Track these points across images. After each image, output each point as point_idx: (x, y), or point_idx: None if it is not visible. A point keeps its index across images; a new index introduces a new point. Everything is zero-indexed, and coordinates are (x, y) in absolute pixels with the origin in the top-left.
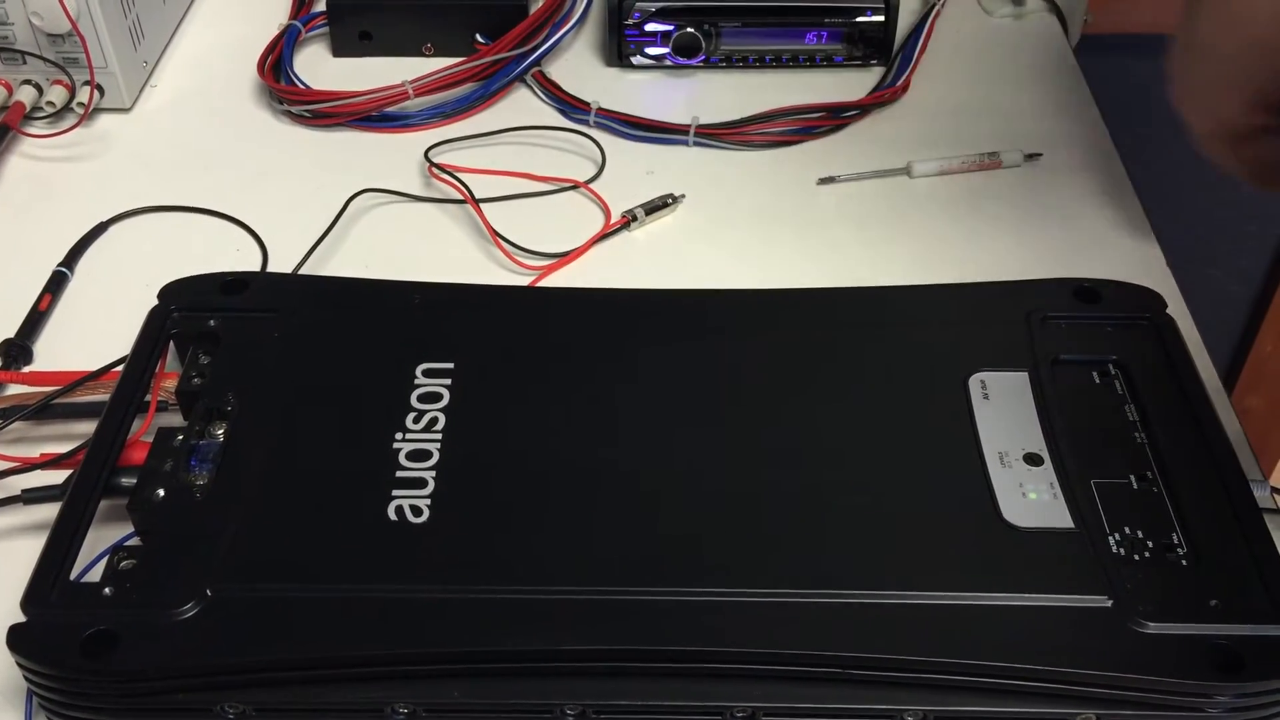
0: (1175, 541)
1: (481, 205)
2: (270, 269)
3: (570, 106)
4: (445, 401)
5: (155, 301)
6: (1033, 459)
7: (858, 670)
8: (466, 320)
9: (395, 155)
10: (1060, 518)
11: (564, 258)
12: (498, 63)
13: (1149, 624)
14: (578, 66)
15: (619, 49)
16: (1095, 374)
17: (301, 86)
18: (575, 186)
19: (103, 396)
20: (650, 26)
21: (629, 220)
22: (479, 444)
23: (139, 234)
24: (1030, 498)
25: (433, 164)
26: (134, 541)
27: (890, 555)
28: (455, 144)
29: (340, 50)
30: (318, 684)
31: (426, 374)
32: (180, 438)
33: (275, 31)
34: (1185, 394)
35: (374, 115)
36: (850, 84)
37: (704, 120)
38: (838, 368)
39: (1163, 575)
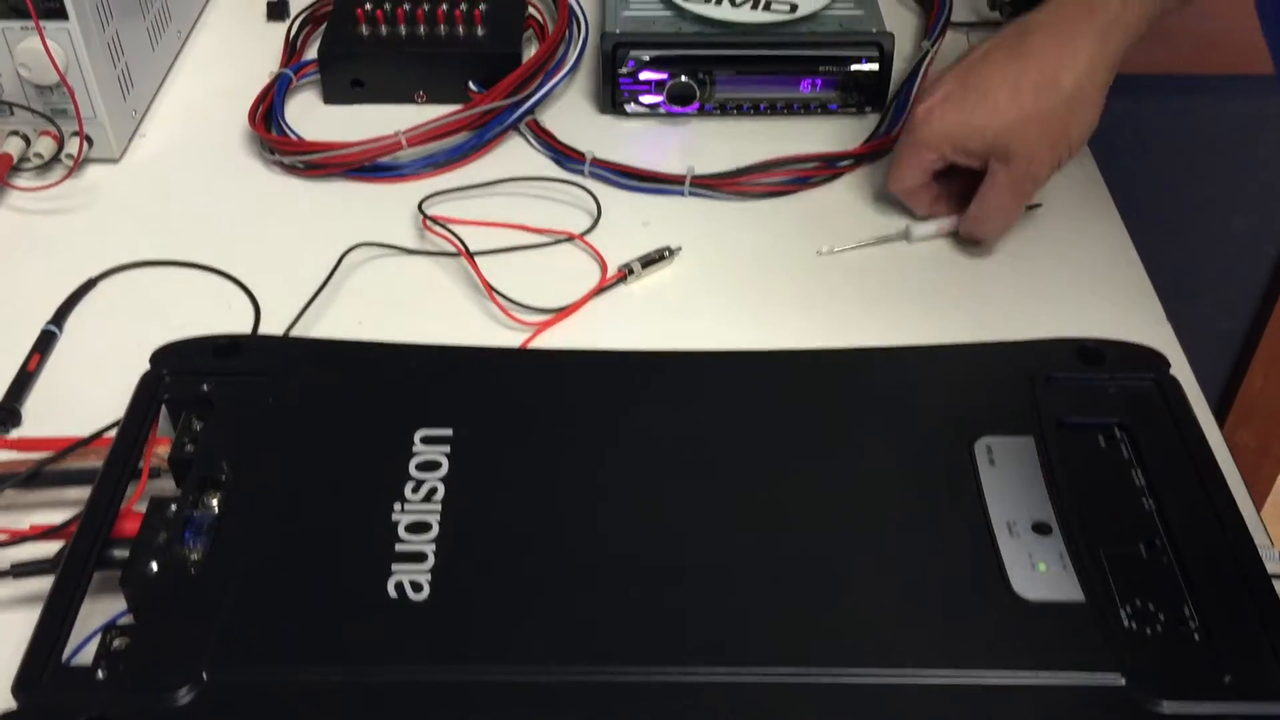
0: (1187, 614)
1: (476, 258)
2: (263, 325)
3: (565, 156)
4: (444, 470)
5: (145, 361)
6: (1041, 528)
7: None
8: (463, 384)
9: (389, 205)
10: (1071, 590)
11: (560, 313)
12: (491, 112)
13: (1164, 703)
14: (571, 113)
15: (613, 97)
16: (1101, 437)
17: (294, 137)
18: (571, 239)
19: (94, 463)
20: (644, 75)
21: (625, 274)
22: (478, 516)
23: (129, 289)
24: (1040, 570)
25: (427, 216)
26: (127, 619)
27: (899, 630)
28: (449, 194)
29: (332, 98)
30: None
31: (425, 440)
32: (174, 508)
33: (266, 79)
34: (1191, 458)
35: (367, 165)
36: (845, 131)
37: (699, 170)
38: (840, 435)
39: (1175, 650)
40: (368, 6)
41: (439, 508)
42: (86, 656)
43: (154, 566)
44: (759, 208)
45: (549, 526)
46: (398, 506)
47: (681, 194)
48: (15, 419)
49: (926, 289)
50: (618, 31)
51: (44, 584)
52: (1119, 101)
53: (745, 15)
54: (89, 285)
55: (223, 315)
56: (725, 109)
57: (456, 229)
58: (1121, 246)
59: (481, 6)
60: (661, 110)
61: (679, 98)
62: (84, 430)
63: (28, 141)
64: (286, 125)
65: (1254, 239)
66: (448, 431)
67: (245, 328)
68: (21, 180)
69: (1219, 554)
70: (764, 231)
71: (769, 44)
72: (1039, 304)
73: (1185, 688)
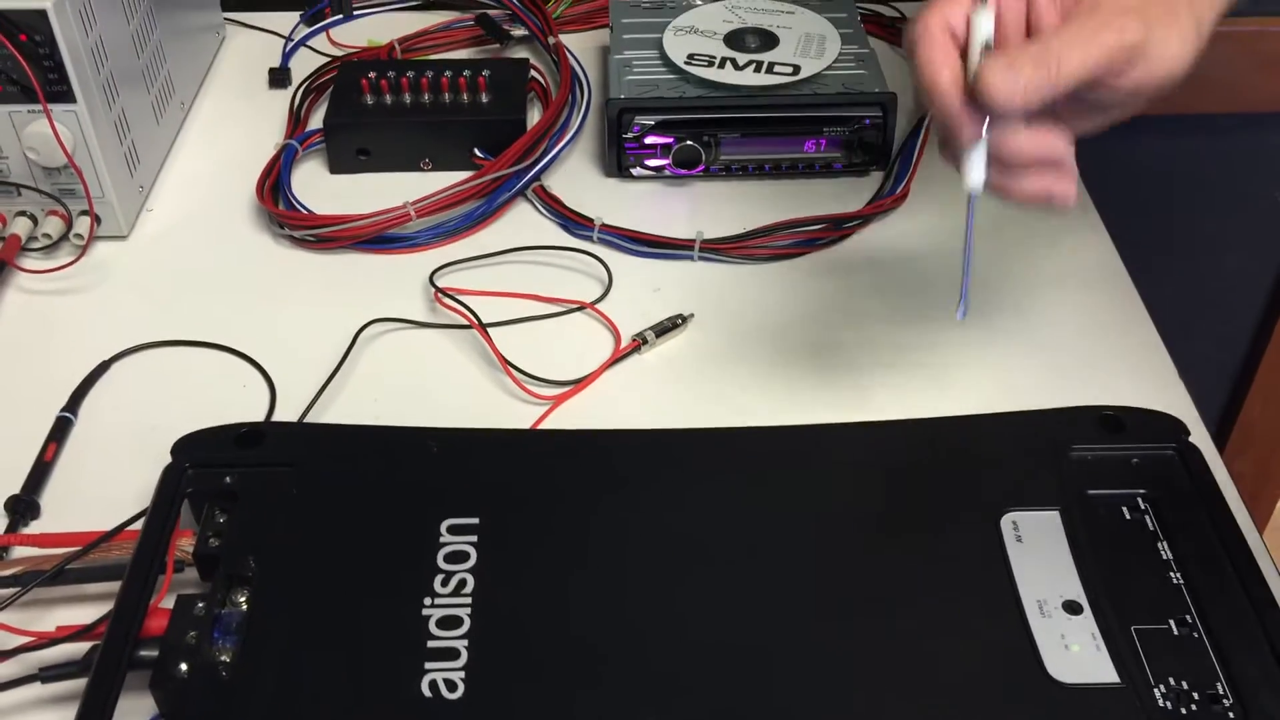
0: (1221, 692)
1: (489, 330)
2: (279, 404)
3: (573, 223)
4: (472, 561)
5: (163, 446)
6: (1072, 607)
7: None
8: (487, 470)
9: (400, 276)
10: (1105, 671)
11: (575, 386)
12: (498, 179)
13: None
14: (577, 178)
15: (619, 161)
16: (1125, 509)
17: (302, 210)
18: (583, 308)
19: (117, 557)
20: (650, 139)
21: (639, 344)
22: (509, 610)
23: (143, 371)
24: (1073, 650)
25: (439, 290)
26: None
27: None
28: (459, 265)
29: (338, 167)
30: None
31: (451, 530)
32: (201, 606)
33: (270, 148)
34: (1216, 528)
35: (376, 237)
36: (849, 191)
37: (707, 233)
38: (865, 512)
39: None
40: (371, 75)
41: (469, 600)
42: None
43: (184, 668)
44: (768, 271)
45: (581, 618)
46: (428, 601)
47: (691, 258)
48: (35, 511)
49: (941, 342)
50: (622, 96)
51: (73, 685)
52: (1113, 140)
53: (749, 78)
54: (102, 368)
55: (238, 395)
56: (730, 170)
57: (468, 300)
58: (1132, 306)
59: (485, 73)
60: (667, 173)
61: (685, 161)
62: (104, 521)
63: (35, 221)
64: (294, 198)
65: (1250, 271)
66: (474, 520)
67: (261, 406)
68: (31, 262)
69: (1249, 628)
70: (775, 295)
71: (773, 106)
72: (1049, 365)
73: None
